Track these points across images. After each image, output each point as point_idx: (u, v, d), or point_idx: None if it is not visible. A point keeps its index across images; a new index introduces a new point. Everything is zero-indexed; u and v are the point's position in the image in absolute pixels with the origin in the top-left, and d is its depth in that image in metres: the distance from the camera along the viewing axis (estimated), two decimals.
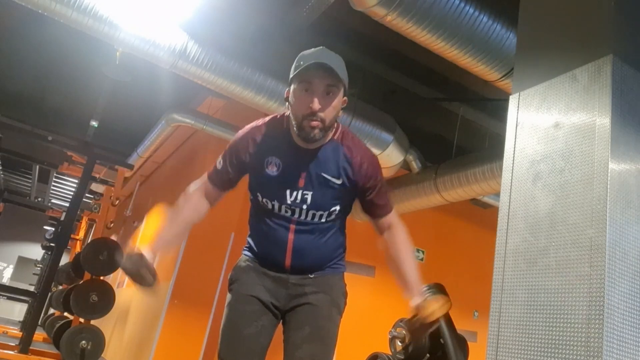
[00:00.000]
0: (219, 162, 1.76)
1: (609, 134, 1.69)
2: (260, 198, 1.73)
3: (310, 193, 1.68)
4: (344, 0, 3.16)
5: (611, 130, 1.69)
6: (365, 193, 1.73)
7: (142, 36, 3.65)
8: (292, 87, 1.64)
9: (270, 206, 1.72)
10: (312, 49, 1.64)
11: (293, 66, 1.63)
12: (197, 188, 1.79)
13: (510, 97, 2.14)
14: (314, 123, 1.58)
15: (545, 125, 1.93)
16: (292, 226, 1.72)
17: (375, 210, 1.77)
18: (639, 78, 1.81)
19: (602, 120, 1.73)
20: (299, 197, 1.68)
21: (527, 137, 1.99)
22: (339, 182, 1.69)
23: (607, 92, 1.74)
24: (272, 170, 1.69)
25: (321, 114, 1.58)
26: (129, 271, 1.51)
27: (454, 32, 3.09)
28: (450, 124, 5.50)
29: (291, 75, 1.63)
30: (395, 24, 3.05)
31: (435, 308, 1.55)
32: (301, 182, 1.68)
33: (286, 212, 1.71)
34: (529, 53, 2.17)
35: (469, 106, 5.51)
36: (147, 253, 1.53)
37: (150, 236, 1.64)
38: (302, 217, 1.71)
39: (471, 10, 3.07)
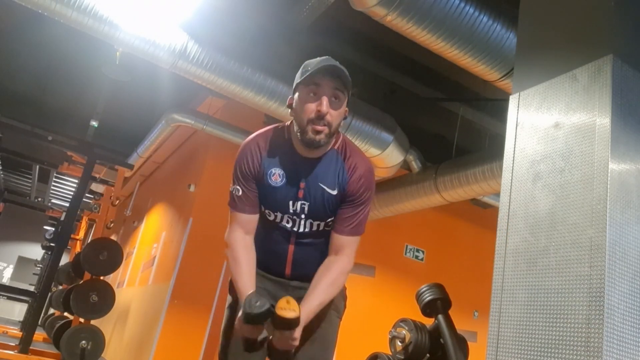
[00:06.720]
0: (236, 189, 1.70)
1: (609, 134, 1.69)
2: (262, 209, 1.73)
3: (307, 204, 1.68)
4: (344, 0, 3.16)
5: (611, 130, 1.69)
6: (345, 201, 1.69)
7: (142, 36, 3.64)
8: (297, 93, 1.62)
9: (272, 217, 1.72)
10: (318, 58, 1.62)
11: (299, 72, 1.62)
12: (234, 233, 1.71)
13: (510, 97, 2.14)
14: (320, 128, 1.56)
15: (545, 125, 1.93)
16: (292, 238, 1.73)
17: (340, 222, 1.70)
18: (639, 78, 1.81)
19: (602, 120, 1.73)
20: (298, 207, 1.69)
21: (527, 137, 1.99)
22: (334, 192, 1.69)
23: (607, 92, 1.74)
24: (276, 181, 1.68)
25: (328, 118, 1.56)
26: (254, 315, 1.47)
27: (454, 32, 3.09)
28: (450, 124, 5.50)
29: (297, 81, 1.61)
30: (395, 24, 3.05)
31: (280, 305, 1.48)
32: (300, 193, 1.68)
33: (287, 222, 1.71)
34: (529, 53, 2.17)
35: (469, 106, 5.50)
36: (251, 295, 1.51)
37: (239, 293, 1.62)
38: (301, 228, 1.71)
39: (471, 10, 3.07)
